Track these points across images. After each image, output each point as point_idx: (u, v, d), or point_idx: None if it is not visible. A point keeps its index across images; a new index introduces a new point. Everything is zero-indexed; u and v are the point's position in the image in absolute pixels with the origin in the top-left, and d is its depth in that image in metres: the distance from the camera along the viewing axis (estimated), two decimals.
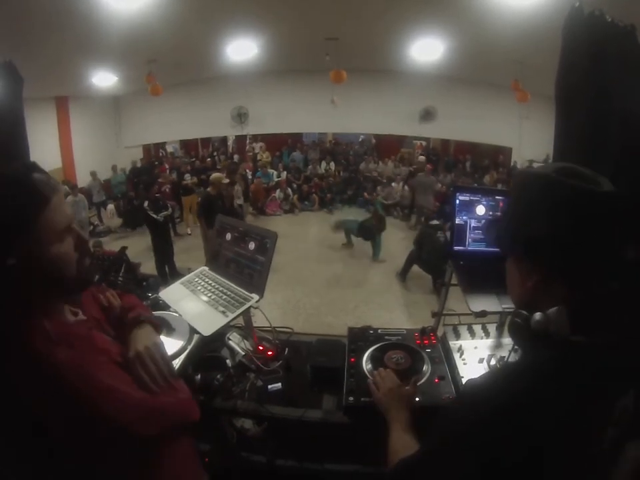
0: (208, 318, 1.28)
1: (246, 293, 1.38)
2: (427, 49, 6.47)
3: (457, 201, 1.33)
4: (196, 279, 1.56)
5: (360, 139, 12.59)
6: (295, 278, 5.90)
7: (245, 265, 1.45)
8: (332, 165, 11.30)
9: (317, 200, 10.17)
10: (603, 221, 0.66)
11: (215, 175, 5.58)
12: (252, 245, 1.43)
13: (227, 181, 5.47)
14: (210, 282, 1.50)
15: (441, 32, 5.64)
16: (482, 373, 0.74)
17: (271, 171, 10.63)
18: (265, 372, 1.47)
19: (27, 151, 1.51)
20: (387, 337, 1.55)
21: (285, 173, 10.81)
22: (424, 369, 1.36)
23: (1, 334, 0.76)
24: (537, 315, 0.69)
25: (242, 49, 6.42)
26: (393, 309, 5.07)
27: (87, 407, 0.76)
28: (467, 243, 1.36)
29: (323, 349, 1.53)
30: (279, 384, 1.42)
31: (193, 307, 1.39)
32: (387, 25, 5.40)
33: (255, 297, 1.35)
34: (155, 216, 5.42)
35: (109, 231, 8.35)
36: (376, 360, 1.40)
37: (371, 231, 6.65)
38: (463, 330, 1.56)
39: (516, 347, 0.78)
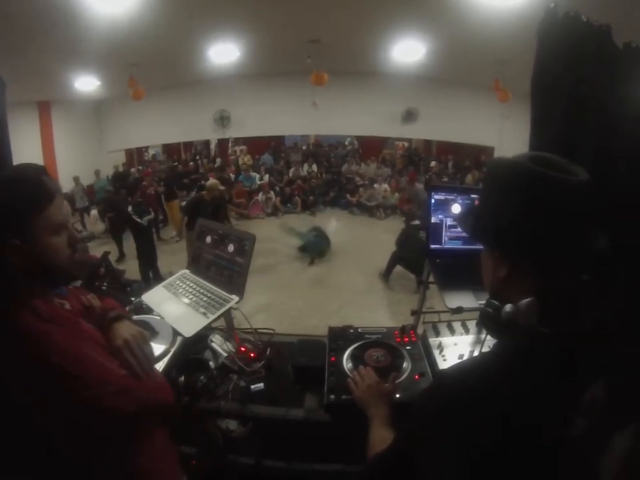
0: (189, 319, 1.29)
1: (226, 294, 1.39)
2: (408, 51, 6.54)
3: (433, 200, 1.36)
4: (177, 282, 1.56)
5: (347, 141, 12.63)
6: (279, 280, 5.90)
7: (224, 267, 1.46)
8: (314, 167, 11.33)
9: (300, 202, 10.17)
10: (573, 212, 0.66)
11: (211, 182, 5.81)
12: (231, 247, 1.44)
13: (222, 187, 5.66)
14: (191, 284, 1.51)
15: (422, 33, 5.70)
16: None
17: (253, 174, 10.59)
18: (247, 373, 1.48)
19: (9, 155, 1.48)
20: (367, 336, 1.57)
21: (267, 176, 10.79)
22: (404, 365, 1.39)
23: None
24: (508, 307, 0.70)
25: (224, 52, 6.40)
26: (376, 309, 5.11)
27: (73, 381, 0.81)
28: (443, 241, 1.40)
29: (304, 349, 1.55)
30: (262, 384, 1.43)
31: (174, 309, 1.40)
32: (369, 27, 5.44)
33: (235, 298, 1.36)
34: (139, 220, 5.36)
35: (92, 237, 8.15)
36: (356, 358, 1.42)
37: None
38: (443, 327, 1.59)
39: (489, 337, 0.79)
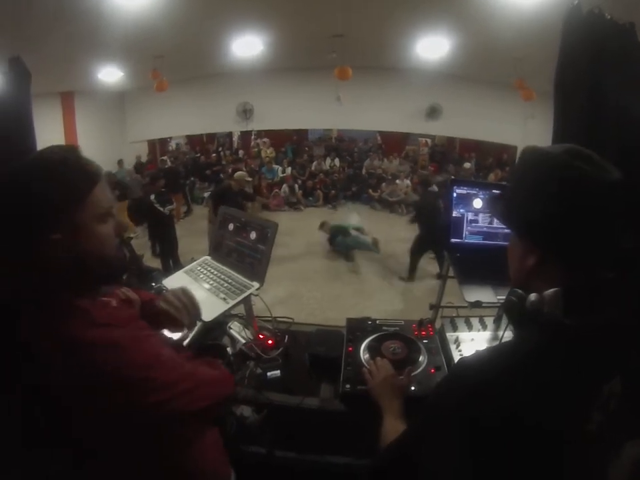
0: (209, 304, 1.31)
1: (247, 280, 1.41)
2: (432, 47, 6.42)
3: (454, 194, 1.35)
4: (199, 268, 1.59)
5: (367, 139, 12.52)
6: (299, 272, 5.94)
7: (246, 254, 1.47)
8: (337, 161, 11.33)
9: (321, 196, 10.19)
10: (606, 209, 0.66)
11: (239, 173, 5.94)
12: (253, 235, 1.46)
13: (249, 179, 5.79)
14: (212, 270, 1.53)
15: (446, 29, 5.59)
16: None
17: (275, 166, 10.66)
18: (264, 360, 1.49)
19: (34, 145, 1.53)
20: (384, 328, 1.57)
21: (290, 168, 10.85)
22: (420, 359, 1.38)
23: (34, 314, 0.74)
24: (532, 296, 0.69)
25: (247, 46, 6.40)
26: (395, 303, 5.10)
27: (138, 388, 0.73)
28: (463, 236, 1.38)
29: (322, 339, 1.56)
30: (278, 371, 1.44)
31: (194, 294, 1.42)
32: (393, 22, 5.37)
33: (256, 284, 1.38)
34: (161, 209, 5.46)
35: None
36: (373, 349, 1.42)
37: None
38: (460, 322, 1.58)
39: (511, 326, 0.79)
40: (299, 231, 7.43)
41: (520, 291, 0.72)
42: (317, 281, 5.80)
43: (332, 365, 1.41)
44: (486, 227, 1.38)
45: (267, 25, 5.46)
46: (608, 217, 0.66)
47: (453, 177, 1.34)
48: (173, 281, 1.56)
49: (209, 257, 1.65)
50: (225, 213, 1.63)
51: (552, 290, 0.67)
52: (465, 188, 1.35)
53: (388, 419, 1.04)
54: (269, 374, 1.43)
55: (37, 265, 0.72)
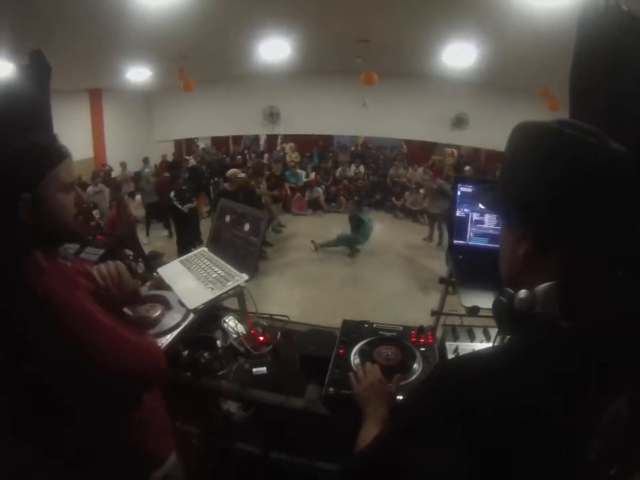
0: (196, 293, 1.29)
1: (236, 272, 1.38)
2: (459, 55, 6.29)
3: (458, 192, 1.26)
4: (194, 258, 1.58)
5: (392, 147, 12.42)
6: (315, 276, 5.93)
7: (240, 246, 1.46)
8: (361, 168, 11.27)
9: (344, 202, 10.12)
10: (610, 183, 0.54)
11: (231, 171, 5.59)
12: (247, 227, 1.43)
13: (242, 175, 5.44)
14: (205, 261, 1.52)
15: (474, 37, 5.46)
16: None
17: (299, 171, 10.69)
18: (253, 356, 1.46)
19: (50, 139, 1.56)
20: (381, 332, 1.50)
21: (314, 173, 10.87)
22: (414, 367, 1.30)
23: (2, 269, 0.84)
24: (522, 293, 0.57)
25: (274, 48, 6.44)
26: (411, 312, 4.96)
27: (69, 333, 0.83)
28: (467, 237, 1.29)
29: (315, 339, 1.51)
30: (264, 368, 1.40)
31: (184, 282, 1.42)
32: (420, 28, 5.27)
33: (244, 276, 1.34)
34: (180, 207, 5.55)
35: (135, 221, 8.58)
36: (365, 353, 1.35)
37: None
38: (463, 332, 1.49)
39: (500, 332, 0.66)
40: (319, 235, 7.40)
41: (511, 291, 0.60)
42: (332, 285, 5.75)
43: (322, 366, 1.35)
44: (492, 228, 1.28)
45: (293, 28, 5.46)
46: (612, 193, 0.54)
47: (456, 175, 1.25)
48: (168, 270, 1.55)
49: (205, 249, 1.64)
50: (223, 205, 1.61)
51: (545, 284, 0.55)
52: (470, 186, 1.26)
53: (368, 425, 0.96)
54: (254, 370, 1.39)
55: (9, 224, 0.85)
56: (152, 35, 5.03)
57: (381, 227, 8.51)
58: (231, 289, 1.31)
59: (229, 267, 1.43)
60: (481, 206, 1.29)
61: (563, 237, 0.56)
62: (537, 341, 0.55)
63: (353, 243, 6.81)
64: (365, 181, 10.74)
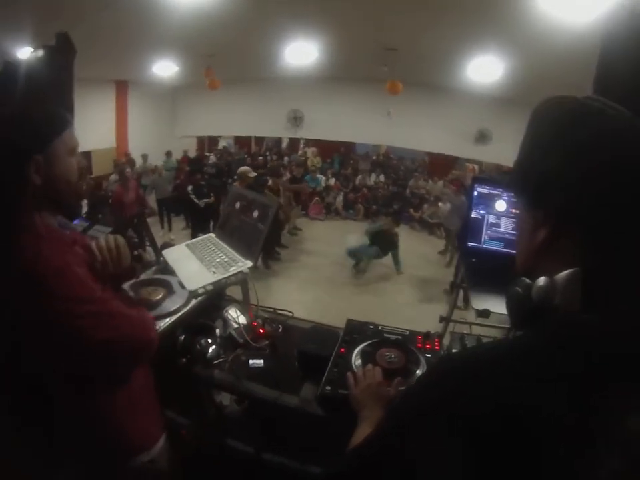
0: (197, 275, 1.27)
1: (241, 258, 1.35)
2: (485, 68, 6.17)
3: (475, 192, 1.20)
4: (200, 243, 1.57)
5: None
6: (326, 281, 5.91)
7: (247, 233, 1.44)
8: (382, 177, 11.21)
9: (362, 210, 10.08)
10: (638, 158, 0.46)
11: (241, 169, 5.54)
12: (255, 214, 1.40)
13: (253, 174, 5.40)
14: (211, 246, 1.50)
15: (500, 51, 5.38)
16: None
17: (319, 176, 10.70)
18: (251, 348, 1.42)
19: (70, 120, 1.57)
20: (386, 335, 1.45)
21: (334, 179, 10.86)
22: (417, 372, 1.24)
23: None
24: (541, 280, 0.51)
25: (301, 52, 6.45)
26: (418, 321, 4.87)
27: (52, 291, 0.82)
28: (482, 240, 1.22)
29: (316, 336, 1.46)
30: (261, 361, 1.35)
31: (187, 265, 1.40)
32: (447, 40, 5.18)
33: (248, 263, 1.31)
34: (196, 201, 5.59)
35: (152, 213, 8.62)
36: (367, 354, 1.29)
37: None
38: (471, 340, 1.42)
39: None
40: (334, 240, 7.36)
41: (528, 280, 0.54)
42: (345, 291, 5.72)
43: (321, 364, 1.30)
44: (508, 233, 1.21)
45: (322, 32, 5.46)
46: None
47: (475, 176, 1.18)
48: (173, 252, 1.54)
49: (213, 235, 1.61)
50: (234, 192, 1.60)
51: (568, 271, 0.48)
52: (487, 187, 1.19)
53: (362, 428, 0.90)
54: (251, 362, 1.34)
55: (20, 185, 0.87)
56: (181, 30, 5.08)
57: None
58: (233, 274, 1.27)
59: (233, 252, 1.41)
60: (498, 207, 1.22)
61: (586, 219, 0.49)
62: (554, 338, 0.48)
63: (374, 256, 6.49)
64: (385, 191, 10.67)
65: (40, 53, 1.48)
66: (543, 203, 0.53)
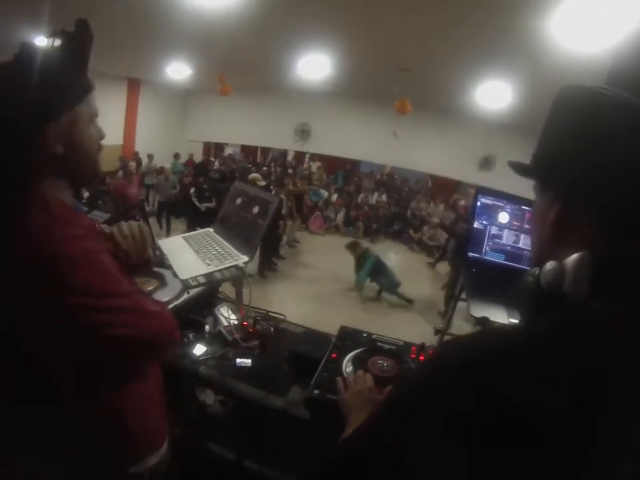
0: (191, 266, 1.24)
1: (237, 253, 1.32)
2: (493, 94, 6.26)
3: (478, 203, 1.19)
4: (197, 236, 1.55)
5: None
6: (321, 293, 5.93)
7: (245, 228, 1.42)
8: (384, 197, 11.26)
9: (362, 228, 10.08)
10: None
11: (252, 175, 5.66)
12: (256, 209, 1.39)
13: (263, 183, 5.41)
14: (209, 240, 1.49)
15: (509, 78, 5.48)
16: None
17: (322, 191, 10.74)
18: (241, 347, 1.38)
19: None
20: (379, 344, 1.41)
21: (336, 195, 10.89)
22: None
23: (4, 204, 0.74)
24: (550, 264, 0.49)
25: (314, 66, 6.50)
26: (417, 340, 4.83)
27: (70, 283, 0.71)
28: (483, 251, 1.20)
29: (308, 339, 1.44)
30: (249, 361, 1.31)
31: (182, 255, 1.38)
32: (459, 64, 5.28)
33: (244, 258, 1.28)
34: (197, 204, 5.59)
35: (153, 213, 8.57)
36: (359, 362, 1.25)
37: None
38: None
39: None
40: (332, 255, 7.35)
41: (537, 270, 0.52)
42: (343, 305, 5.73)
43: (311, 366, 1.26)
44: (510, 245, 1.19)
45: (335, 47, 5.54)
46: None
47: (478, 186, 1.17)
48: (169, 243, 1.52)
49: (211, 230, 1.59)
50: (236, 187, 1.58)
51: (577, 254, 0.47)
52: (491, 198, 1.18)
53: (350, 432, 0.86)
54: (238, 360, 1.30)
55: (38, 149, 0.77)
56: (198, 35, 5.16)
57: (396, 258, 8.42)
58: (227, 267, 1.24)
59: (230, 247, 1.38)
60: (501, 219, 1.20)
61: (595, 199, 0.48)
62: (557, 335, 0.45)
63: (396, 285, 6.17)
64: (386, 210, 10.71)
65: (57, 38, 1.49)
66: (553, 182, 0.53)
